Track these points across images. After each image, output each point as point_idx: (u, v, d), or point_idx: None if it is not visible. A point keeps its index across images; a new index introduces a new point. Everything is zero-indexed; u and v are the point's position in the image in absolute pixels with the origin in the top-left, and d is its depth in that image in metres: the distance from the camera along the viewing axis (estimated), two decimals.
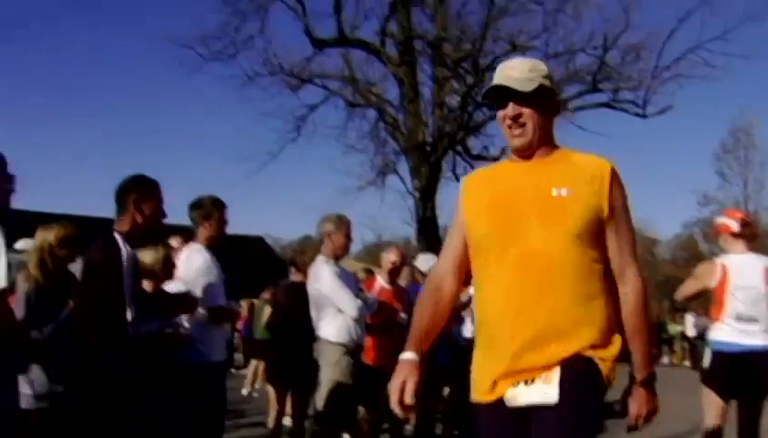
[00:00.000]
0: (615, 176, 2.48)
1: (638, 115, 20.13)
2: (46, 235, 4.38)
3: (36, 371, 4.18)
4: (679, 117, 55.11)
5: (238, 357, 16.14)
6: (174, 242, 5.49)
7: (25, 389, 4.09)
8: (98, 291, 3.72)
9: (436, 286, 2.67)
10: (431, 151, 19.60)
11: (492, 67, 18.05)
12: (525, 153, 2.56)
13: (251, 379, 12.01)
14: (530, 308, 2.38)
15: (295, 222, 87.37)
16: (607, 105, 20.49)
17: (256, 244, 35.11)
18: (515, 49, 17.94)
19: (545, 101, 2.55)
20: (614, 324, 2.46)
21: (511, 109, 2.53)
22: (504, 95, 2.54)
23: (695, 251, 41.43)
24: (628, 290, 2.49)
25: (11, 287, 3.89)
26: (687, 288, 5.27)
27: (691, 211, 57.42)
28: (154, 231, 4.09)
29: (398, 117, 20.21)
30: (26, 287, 4.27)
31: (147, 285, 4.43)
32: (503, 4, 19.09)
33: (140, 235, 3.98)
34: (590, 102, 20.45)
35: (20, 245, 6.36)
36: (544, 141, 2.55)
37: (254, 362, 12.12)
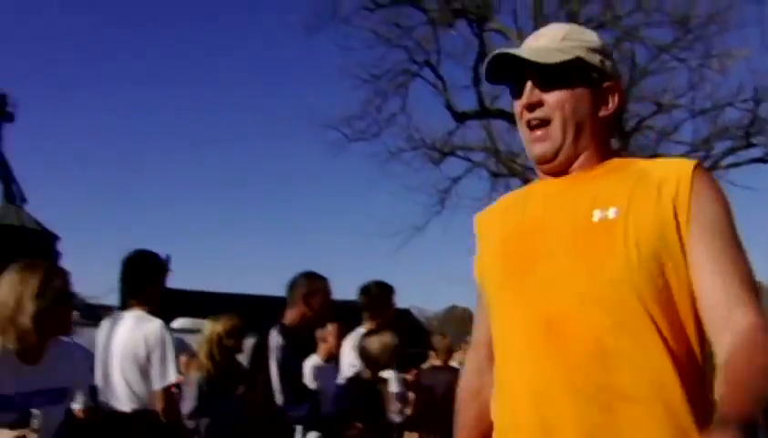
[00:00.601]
0: (702, 176, 1.48)
1: None
2: (215, 327, 4.62)
3: None
4: None
5: None
6: (330, 328, 5.56)
7: None
8: (257, 379, 3.96)
9: (474, 392, 1.77)
10: None
11: (638, 129, 17.68)
12: (553, 167, 1.63)
13: None
14: (555, 417, 1.44)
15: (441, 293, 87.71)
16: (761, 160, 19.52)
17: (404, 316, 35.35)
18: (661, 109, 17.48)
19: (589, 86, 1.60)
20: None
21: (526, 94, 1.62)
22: (522, 75, 1.63)
23: None
24: (738, 332, 1.34)
25: None
26: None
27: None
28: (323, 323, 4.31)
29: None
30: (198, 377, 4.51)
31: (367, 372, 4.43)
32: (645, 63, 18.75)
33: (309, 328, 4.22)
34: (744, 158, 19.52)
35: (176, 324, 6.68)
36: (584, 147, 1.60)
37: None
